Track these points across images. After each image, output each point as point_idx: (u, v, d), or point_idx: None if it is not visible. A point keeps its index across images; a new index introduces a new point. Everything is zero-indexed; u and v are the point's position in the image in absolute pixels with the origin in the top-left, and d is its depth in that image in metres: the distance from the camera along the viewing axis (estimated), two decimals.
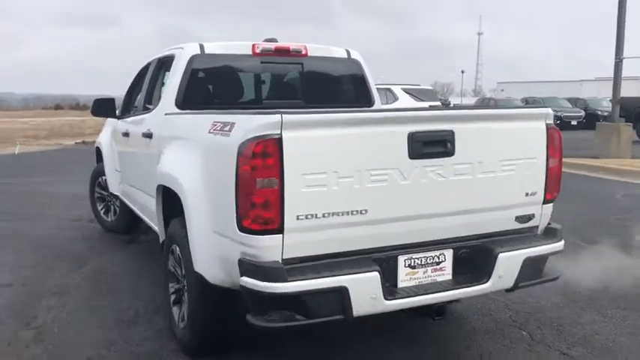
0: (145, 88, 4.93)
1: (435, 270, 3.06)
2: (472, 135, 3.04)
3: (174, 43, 4.66)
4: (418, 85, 17.34)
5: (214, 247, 3.00)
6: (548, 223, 3.44)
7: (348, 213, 2.77)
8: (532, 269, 3.22)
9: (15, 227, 6.96)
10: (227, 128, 2.86)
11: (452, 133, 2.96)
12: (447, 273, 3.09)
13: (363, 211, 2.81)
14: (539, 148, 3.25)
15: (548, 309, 4.38)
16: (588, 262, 5.30)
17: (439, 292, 2.99)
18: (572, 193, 8.45)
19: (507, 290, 3.25)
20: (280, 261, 2.69)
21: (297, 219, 2.67)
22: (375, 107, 4.84)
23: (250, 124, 2.65)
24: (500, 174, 3.14)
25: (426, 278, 3.03)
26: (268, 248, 2.68)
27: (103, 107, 5.48)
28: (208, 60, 4.33)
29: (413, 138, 2.86)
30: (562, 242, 3.35)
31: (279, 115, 2.60)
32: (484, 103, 30.81)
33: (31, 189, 9.76)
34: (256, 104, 4.50)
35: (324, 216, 2.73)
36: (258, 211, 2.63)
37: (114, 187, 5.91)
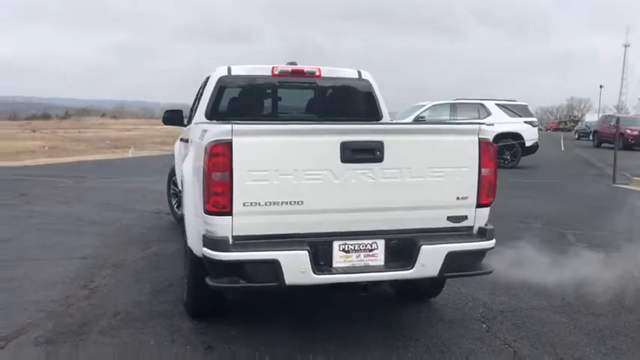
0: (193, 102, 5.97)
1: (368, 255, 3.70)
2: (401, 145, 3.67)
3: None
4: (514, 100, 17.29)
5: (196, 226, 3.87)
6: (486, 225, 3.94)
7: (286, 203, 3.53)
8: (460, 262, 3.75)
9: (107, 216, 8.38)
10: (203, 135, 3.72)
11: (381, 143, 3.61)
12: (379, 259, 3.72)
13: (300, 202, 3.54)
14: (470, 159, 3.78)
15: (522, 310, 4.77)
16: None
17: (366, 272, 3.64)
18: None
19: (435, 279, 3.80)
20: (230, 237, 3.50)
21: (244, 205, 3.47)
22: (382, 121, 5.50)
23: (213, 131, 3.50)
24: (428, 179, 3.72)
25: (359, 261, 3.69)
26: (221, 227, 3.50)
27: (173, 117, 6.52)
28: (234, 80, 5.27)
29: (344, 146, 3.55)
30: (491, 241, 3.85)
31: (230, 126, 3.43)
32: (606, 120, 29.40)
33: (133, 186, 11.40)
34: (273, 117, 5.35)
35: (265, 204, 3.50)
36: (215, 197, 3.47)
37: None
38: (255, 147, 3.49)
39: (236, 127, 3.44)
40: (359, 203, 3.65)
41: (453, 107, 17.00)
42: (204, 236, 3.57)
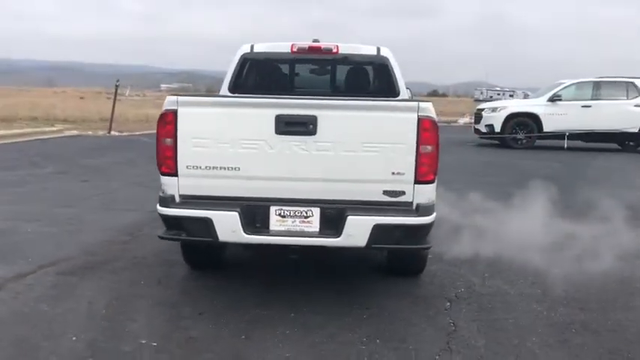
0: None
1: (303, 222, 3.97)
2: (335, 120, 3.86)
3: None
4: None
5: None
6: (429, 201, 3.97)
7: (224, 168, 3.93)
8: (390, 235, 3.86)
9: None
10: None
11: (315, 117, 3.84)
12: (314, 226, 3.97)
13: (237, 169, 3.93)
14: (408, 136, 3.84)
15: (504, 295, 4.65)
16: None
17: (298, 237, 3.93)
18: None
19: (364, 249, 3.94)
20: (177, 196, 4.01)
21: (187, 168, 3.95)
22: (399, 98, 5.56)
23: (165, 102, 4.00)
24: (362, 153, 3.86)
25: (295, 227, 3.98)
26: (169, 186, 4.02)
27: None
28: (255, 57, 5.70)
29: (279, 119, 3.85)
30: (425, 217, 3.89)
31: (176, 97, 3.91)
32: None
33: None
34: (289, 91, 5.69)
35: (206, 168, 3.95)
36: (164, 160, 3.99)
37: None
38: (197, 116, 3.94)
39: (181, 98, 3.91)
40: (293, 172, 3.93)
41: (597, 85, 15.68)
42: (159, 195, 4.11)
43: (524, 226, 6.07)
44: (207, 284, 4.76)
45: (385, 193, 3.93)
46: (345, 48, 5.65)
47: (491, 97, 58.20)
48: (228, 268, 5.11)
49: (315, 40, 5.72)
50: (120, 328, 3.90)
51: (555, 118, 15.79)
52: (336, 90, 5.63)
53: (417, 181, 3.91)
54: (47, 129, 16.65)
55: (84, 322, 3.98)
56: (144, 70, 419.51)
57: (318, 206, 3.96)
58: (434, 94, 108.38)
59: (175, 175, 3.98)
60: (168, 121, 3.93)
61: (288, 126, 3.85)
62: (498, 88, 79.26)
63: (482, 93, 72.88)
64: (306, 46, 5.63)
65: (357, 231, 3.85)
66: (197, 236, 3.99)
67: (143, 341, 3.70)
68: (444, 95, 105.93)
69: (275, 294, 4.54)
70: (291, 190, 3.96)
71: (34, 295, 4.44)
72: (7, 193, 8.17)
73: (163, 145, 3.96)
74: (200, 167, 3.95)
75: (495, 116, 16.41)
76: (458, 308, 4.37)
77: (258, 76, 5.83)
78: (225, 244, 4.47)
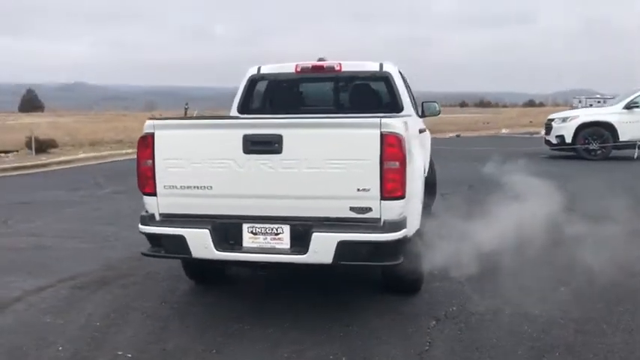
0: None
1: (274, 239, 4.06)
2: (300, 138, 3.93)
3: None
4: None
5: None
6: (400, 217, 3.94)
7: (197, 187, 4.10)
8: (356, 252, 3.86)
9: None
10: None
11: (280, 136, 3.93)
12: (285, 242, 4.04)
13: (209, 187, 4.08)
14: (372, 152, 3.84)
15: (495, 314, 4.47)
16: None
17: (268, 254, 4.02)
18: None
19: (330, 266, 3.95)
20: (157, 214, 4.22)
21: (164, 188, 4.15)
22: (403, 114, 5.53)
23: (145, 126, 4.23)
24: (328, 170, 3.90)
25: (267, 243, 4.07)
26: (151, 206, 4.23)
27: None
28: (262, 78, 5.87)
29: (246, 139, 3.97)
30: (391, 234, 3.85)
31: (152, 121, 4.13)
32: None
33: None
34: (295, 110, 5.79)
35: (181, 187, 4.13)
36: (145, 181, 4.22)
37: None
38: (171, 139, 4.14)
39: (157, 122, 4.13)
40: (262, 190, 4.03)
41: None
42: (140, 214, 4.33)
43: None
44: (204, 300, 4.94)
45: (352, 209, 3.94)
46: (348, 65, 5.70)
47: (590, 105, 55.42)
48: (231, 283, 5.27)
49: (321, 59, 5.82)
50: (105, 340, 4.14)
51: (633, 127, 14.87)
52: (340, 107, 5.69)
53: (383, 198, 3.89)
54: (123, 151, 17.71)
55: (76, 333, 4.25)
56: None
57: (287, 223, 4.03)
58: (530, 103, 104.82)
59: (155, 194, 4.19)
60: (147, 144, 4.15)
61: (254, 145, 3.97)
62: (598, 96, 75.23)
63: (580, 101, 69.38)
64: (310, 65, 5.74)
65: (322, 247, 3.88)
66: (174, 253, 4.18)
67: (120, 352, 3.91)
68: (540, 105, 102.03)
69: (263, 309, 4.63)
70: (261, 207, 4.06)
71: (43, 306, 4.79)
72: (64, 213, 8.83)
73: (144, 166, 4.19)
74: (176, 187, 4.14)
75: (566, 126, 15.66)
76: (442, 327, 4.28)
77: (265, 96, 6.00)
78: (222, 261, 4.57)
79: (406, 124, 4.12)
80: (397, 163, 3.86)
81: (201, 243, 4.05)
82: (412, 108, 5.67)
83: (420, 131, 6.61)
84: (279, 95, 6.03)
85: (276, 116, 4.50)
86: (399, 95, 5.59)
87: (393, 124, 3.87)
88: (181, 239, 4.07)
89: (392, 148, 3.84)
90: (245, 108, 5.88)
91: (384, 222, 3.92)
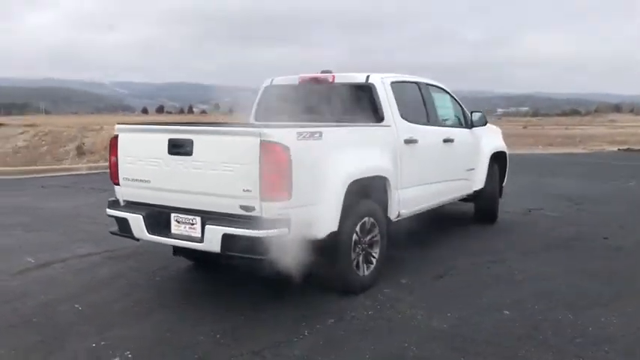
0: None
1: (191, 228, 4.76)
2: (204, 143, 4.59)
3: None
4: None
5: None
6: (279, 217, 4.35)
7: (141, 181, 4.99)
8: (237, 244, 4.38)
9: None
10: None
11: (191, 141, 4.63)
12: (197, 232, 4.71)
13: (148, 181, 4.95)
14: (253, 158, 4.33)
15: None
16: None
17: (183, 240, 4.75)
18: None
19: (221, 254, 4.50)
20: (122, 201, 5.22)
21: (124, 179, 5.13)
22: (384, 123, 5.74)
23: (115, 128, 5.25)
24: (222, 172, 4.48)
25: (185, 232, 4.79)
26: (118, 193, 5.24)
27: None
28: (273, 89, 6.52)
29: (170, 142, 4.76)
30: (264, 231, 4.27)
31: (119, 125, 5.14)
32: None
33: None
34: (296, 119, 6.30)
35: (132, 180, 5.06)
36: (113, 173, 5.25)
37: None
38: (128, 140, 5.10)
39: (120, 126, 5.13)
40: (181, 186, 4.76)
41: None
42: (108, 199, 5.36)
43: None
44: (186, 275, 5.82)
45: (241, 207, 4.46)
46: (341, 77, 6.06)
47: None
48: (223, 271, 5.98)
49: (325, 71, 6.26)
50: (91, 287, 5.40)
51: None
52: (332, 114, 6.04)
53: (262, 198, 4.34)
54: None
55: (73, 282, 5.53)
56: (481, 95, 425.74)
57: (199, 215, 4.70)
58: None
59: (119, 184, 5.20)
60: (114, 143, 5.18)
61: (174, 148, 4.72)
62: None
63: None
64: (308, 77, 6.24)
65: (213, 238, 4.48)
66: (124, 232, 5.12)
67: (77, 306, 4.99)
68: None
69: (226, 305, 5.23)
70: (182, 200, 4.79)
71: (78, 267, 6.13)
72: None
73: (112, 161, 5.23)
74: (129, 179, 5.09)
75: None
76: (339, 326, 4.52)
77: (275, 104, 6.61)
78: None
79: (301, 134, 4.49)
80: (274, 168, 4.28)
81: (138, 226, 4.94)
82: (395, 118, 5.79)
83: (446, 141, 6.65)
84: (285, 104, 6.59)
85: (190, 123, 5.16)
86: (381, 105, 5.77)
87: (271, 133, 4.30)
88: (126, 222, 5.01)
89: (269, 155, 4.28)
90: (259, 115, 6.60)
91: (262, 220, 4.37)
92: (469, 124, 7.49)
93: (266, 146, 4.29)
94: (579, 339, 4.25)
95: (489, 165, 7.90)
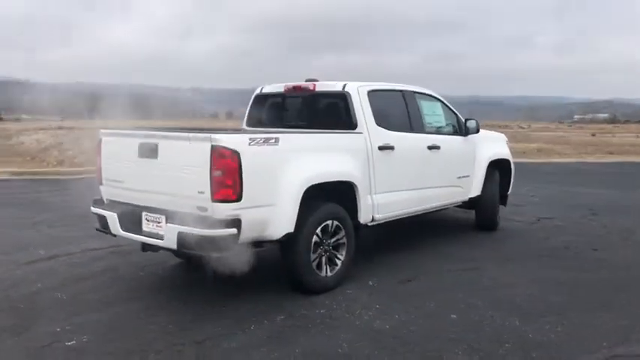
0: None
1: (158, 226, 5.13)
2: (167, 147, 4.96)
3: None
4: None
5: None
6: (227, 218, 4.65)
7: (117, 181, 5.43)
8: (191, 242, 4.71)
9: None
10: None
11: (156, 145, 5.02)
12: (163, 229, 5.09)
13: (122, 182, 5.38)
14: (204, 162, 4.65)
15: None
16: None
17: (150, 237, 5.12)
18: None
19: (177, 252, 4.84)
20: (105, 199, 5.67)
21: (106, 180, 5.59)
22: (356, 130, 5.94)
23: (99, 133, 5.71)
24: (182, 174, 4.82)
25: (154, 229, 5.17)
26: (102, 193, 5.70)
27: None
28: (262, 97, 6.84)
29: (140, 146, 5.16)
30: (217, 230, 4.57)
31: (102, 130, 5.61)
32: None
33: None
34: (280, 125, 6.59)
35: (112, 180, 5.51)
36: (98, 174, 5.71)
37: None
38: (107, 144, 5.55)
39: (102, 131, 5.59)
40: (150, 187, 5.14)
41: None
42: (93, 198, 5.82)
43: None
44: (172, 273, 6.22)
45: (198, 207, 4.77)
46: (321, 85, 6.30)
47: None
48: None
49: (309, 80, 6.51)
50: (80, 278, 5.87)
51: None
52: (312, 121, 6.29)
53: (213, 200, 4.65)
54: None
55: (67, 273, 6.07)
56: (559, 100, 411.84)
57: (164, 214, 5.07)
58: None
59: (102, 184, 5.66)
60: (97, 147, 5.65)
61: (143, 151, 5.12)
62: None
63: None
64: (292, 85, 6.52)
65: (171, 235, 4.83)
66: (104, 229, 5.56)
67: (59, 294, 5.48)
68: None
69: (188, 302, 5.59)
70: (150, 200, 5.17)
71: (78, 261, 6.66)
72: None
73: (98, 163, 5.69)
74: (109, 179, 5.54)
75: None
76: (286, 322, 4.78)
77: (264, 111, 6.92)
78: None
79: (253, 139, 4.77)
80: (224, 172, 4.59)
81: (113, 223, 5.37)
82: (367, 126, 5.96)
83: (431, 147, 6.78)
84: (273, 110, 6.88)
85: (155, 129, 5.53)
86: (354, 113, 5.96)
87: (222, 138, 4.61)
88: (105, 219, 5.46)
89: (219, 159, 4.59)
90: (250, 121, 6.94)
91: (212, 220, 4.68)
92: (464, 132, 7.54)
93: (216, 151, 4.61)
94: (510, 344, 4.32)
95: (488, 172, 7.90)
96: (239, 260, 4.84)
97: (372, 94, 6.17)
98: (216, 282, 5.78)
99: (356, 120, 5.97)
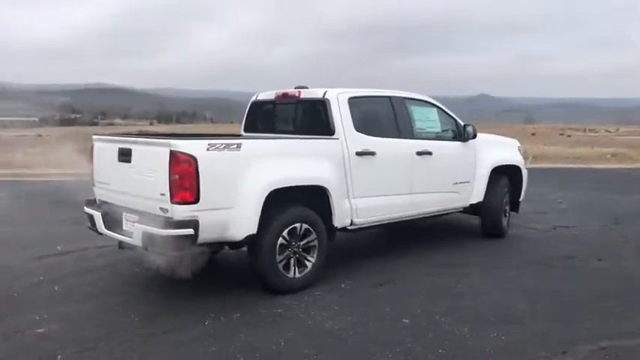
0: None
1: (134, 224, 5.51)
2: (137, 152, 5.33)
3: None
4: None
5: None
6: (185, 219, 4.94)
7: (104, 183, 5.86)
8: (153, 241, 5.03)
9: None
10: None
11: (130, 150, 5.39)
12: (134, 228, 5.46)
13: (108, 184, 5.80)
14: (164, 165, 4.96)
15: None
16: None
17: (125, 236, 5.49)
18: None
19: (146, 249, 5.16)
20: (97, 200, 6.12)
21: (96, 182, 6.04)
22: (334, 136, 6.08)
23: (92, 138, 6.16)
24: (147, 177, 5.17)
25: (132, 227, 5.54)
26: (95, 194, 6.16)
27: None
28: (257, 104, 7.11)
29: (119, 150, 5.56)
30: (175, 230, 4.87)
31: (95, 136, 6.06)
32: None
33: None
34: (271, 131, 6.81)
35: (101, 182, 5.95)
36: (91, 176, 6.17)
37: None
38: (98, 149, 5.99)
39: (95, 136, 6.05)
40: (127, 189, 5.53)
41: None
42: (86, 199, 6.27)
43: None
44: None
45: (161, 209, 5.10)
46: (306, 92, 6.47)
47: None
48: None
49: (299, 87, 6.71)
50: (80, 272, 6.37)
51: None
52: (296, 126, 6.49)
53: (172, 202, 4.96)
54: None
55: (71, 267, 6.57)
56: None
57: (138, 215, 5.44)
58: None
59: (94, 185, 6.12)
60: (91, 152, 6.11)
61: (121, 155, 5.52)
62: None
63: None
64: (281, 92, 6.74)
65: (137, 235, 5.19)
66: (93, 227, 6.00)
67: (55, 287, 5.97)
68: None
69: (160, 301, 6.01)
70: (129, 201, 5.56)
71: (86, 256, 7.19)
72: None
73: (91, 167, 6.15)
74: (99, 182, 5.99)
75: None
76: (240, 319, 5.01)
77: (258, 117, 7.18)
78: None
79: (213, 145, 5.04)
80: (182, 176, 4.89)
81: (98, 222, 5.80)
82: (352, 131, 6.07)
83: (420, 153, 6.83)
84: (265, 116, 7.12)
85: (130, 134, 5.88)
86: (332, 119, 6.09)
87: (180, 144, 4.92)
88: (92, 217, 5.90)
89: (177, 164, 4.90)
90: (246, 126, 7.23)
91: (171, 221, 4.99)
92: (463, 137, 7.49)
93: (174, 155, 4.92)
94: (444, 351, 4.34)
95: (493, 178, 7.79)
96: (200, 260, 5.12)
97: (353, 100, 6.29)
98: (198, 279, 6.12)
99: (333, 126, 6.11)
